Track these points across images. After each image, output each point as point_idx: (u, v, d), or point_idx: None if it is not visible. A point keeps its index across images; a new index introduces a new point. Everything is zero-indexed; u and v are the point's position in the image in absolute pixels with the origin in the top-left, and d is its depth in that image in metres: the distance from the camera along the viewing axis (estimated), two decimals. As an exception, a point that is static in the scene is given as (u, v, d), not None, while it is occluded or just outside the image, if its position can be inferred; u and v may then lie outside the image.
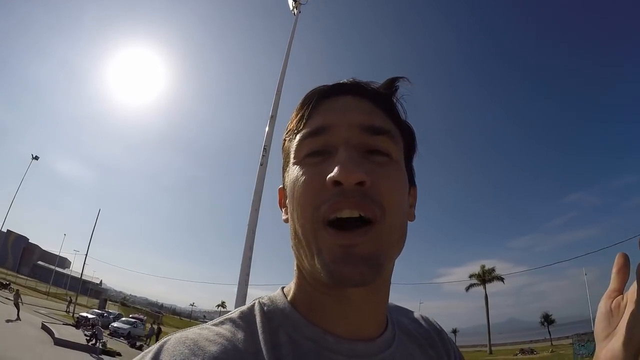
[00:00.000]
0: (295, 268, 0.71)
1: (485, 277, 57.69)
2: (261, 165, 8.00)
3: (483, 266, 58.75)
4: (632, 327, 0.64)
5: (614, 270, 0.71)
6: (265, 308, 0.69)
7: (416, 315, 0.89)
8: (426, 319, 0.89)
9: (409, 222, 0.71)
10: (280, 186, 0.78)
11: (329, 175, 0.60)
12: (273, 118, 8.89)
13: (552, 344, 52.48)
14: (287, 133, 0.75)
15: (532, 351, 46.76)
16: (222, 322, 0.65)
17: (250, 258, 7.05)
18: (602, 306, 0.71)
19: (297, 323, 0.66)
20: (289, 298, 0.71)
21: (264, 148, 8.23)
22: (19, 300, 25.05)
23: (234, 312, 0.69)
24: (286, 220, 0.72)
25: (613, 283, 0.71)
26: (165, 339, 0.61)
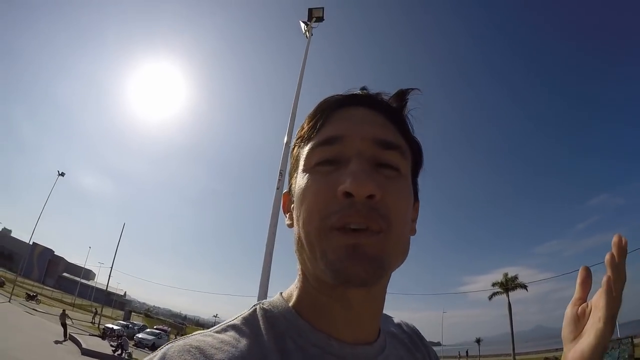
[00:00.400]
0: (299, 273, 0.72)
1: (508, 285, 56.66)
2: (277, 189, 8.19)
3: (506, 274, 57.74)
4: (596, 329, 0.70)
5: (578, 281, 0.77)
6: (267, 313, 0.69)
7: (397, 320, 0.93)
8: (406, 324, 0.93)
9: (411, 236, 0.72)
10: (285, 191, 0.79)
11: (341, 186, 0.60)
12: (288, 144, 8.93)
13: (577, 352, 51.46)
14: (297, 139, 0.75)
15: (556, 359, 46.02)
16: (224, 329, 0.65)
17: (268, 278, 7.44)
18: (569, 312, 0.77)
19: (302, 329, 0.67)
20: (290, 303, 0.71)
21: (280, 172, 8.40)
22: (66, 320, 24.48)
23: (235, 319, 0.68)
24: (290, 226, 0.72)
25: (577, 292, 0.77)
26: (167, 346, 0.60)
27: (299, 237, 0.66)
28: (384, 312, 0.85)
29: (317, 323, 0.67)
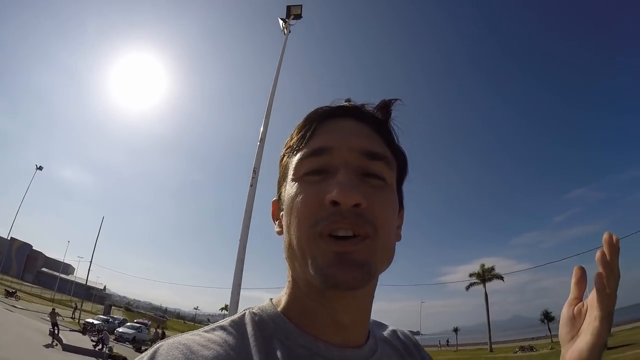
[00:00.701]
0: (288, 278, 0.74)
1: (485, 276, 58.02)
2: (251, 186, 8.43)
3: (483, 265, 59.11)
4: (593, 329, 0.72)
5: (573, 281, 0.79)
6: (256, 317, 0.71)
7: (391, 328, 0.95)
8: (402, 332, 0.95)
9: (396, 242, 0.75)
10: (275, 199, 0.81)
11: (328, 195, 0.63)
12: (262, 141, 9.27)
13: (552, 340, 52.84)
14: (286, 149, 0.78)
15: (531, 348, 47.17)
16: (213, 329, 0.67)
17: (241, 270, 7.73)
18: (565, 312, 0.80)
19: (289, 331, 0.69)
20: (279, 308, 0.73)
21: (254, 170, 8.64)
22: (57, 320, 23.03)
23: (225, 321, 0.71)
24: (279, 233, 0.75)
25: (573, 292, 0.80)
26: (157, 344, 0.63)
27: (290, 244, 0.68)
28: (378, 319, 0.94)
29: (306, 326, 0.70)
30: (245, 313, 0.73)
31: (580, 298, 0.79)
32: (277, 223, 0.78)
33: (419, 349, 0.93)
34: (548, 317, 63.56)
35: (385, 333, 0.91)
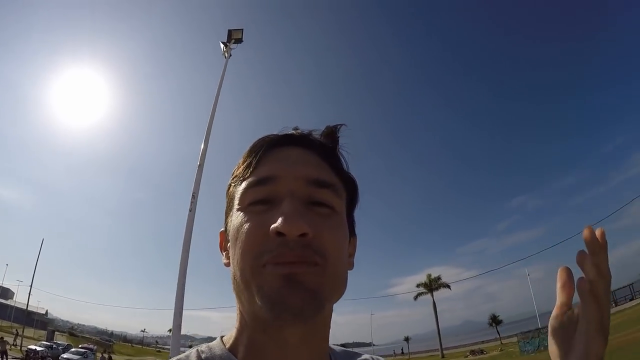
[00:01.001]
0: (237, 313, 0.71)
1: (432, 285, 59.49)
2: (190, 211, 8.21)
3: (429, 275, 60.63)
4: (586, 339, 0.64)
5: (559, 285, 0.71)
6: (202, 355, 0.70)
7: (365, 357, 0.88)
8: None
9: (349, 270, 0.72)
10: (222, 229, 0.79)
11: (273, 226, 0.60)
12: (201, 166, 9.00)
13: (501, 342, 54.78)
14: (233, 178, 0.75)
15: (481, 351, 48.50)
16: None
17: (183, 295, 7.53)
18: (554, 324, 0.71)
19: None
20: (227, 346, 0.71)
21: (193, 195, 8.36)
22: (7, 348, 22.16)
23: None
24: (227, 264, 0.72)
25: (560, 298, 0.71)
26: None
27: (235, 276, 0.66)
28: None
29: None
30: (192, 353, 0.71)
31: (569, 304, 0.71)
32: (224, 254, 0.75)
33: None
34: (496, 321, 66.19)
35: None
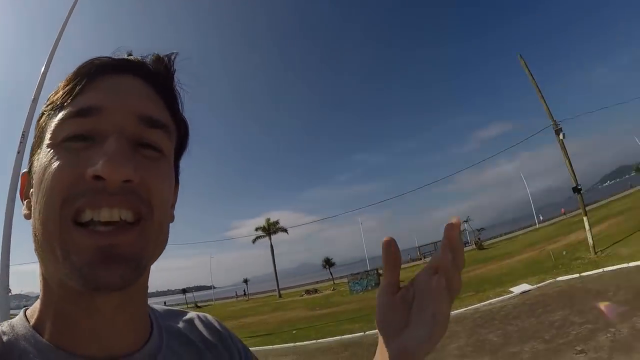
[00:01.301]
0: (40, 279, 0.58)
1: (270, 229, 61.09)
2: (18, 152, 7.07)
3: (268, 219, 62.06)
4: (429, 324, 0.57)
5: (384, 260, 0.62)
6: (4, 337, 0.55)
7: (191, 316, 0.81)
8: (204, 320, 0.81)
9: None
10: (25, 170, 0.62)
11: (90, 169, 0.50)
12: (35, 100, 7.75)
13: (334, 282, 58.99)
14: (47, 105, 0.60)
15: (315, 291, 51.64)
16: None
17: (9, 249, 6.51)
18: (384, 300, 0.63)
19: (40, 349, 0.54)
20: (32, 322, 0.57)
21: (22, 134, 7.22)
22: None
23: None
24: (27, 216, 0.58)
25: (387, 276, 0.63)
26: None
27: (36, 232, 0.54)
28: (177, 307, 0.76)
29: (60, 340, 0.55)
30: None
31: (397, 282, 0.64)
32: (25, 203, 0.61)
33: (222, 338, 0.79)
34: (329, 263, 70.55)
35: (181, 324, 0.77)
